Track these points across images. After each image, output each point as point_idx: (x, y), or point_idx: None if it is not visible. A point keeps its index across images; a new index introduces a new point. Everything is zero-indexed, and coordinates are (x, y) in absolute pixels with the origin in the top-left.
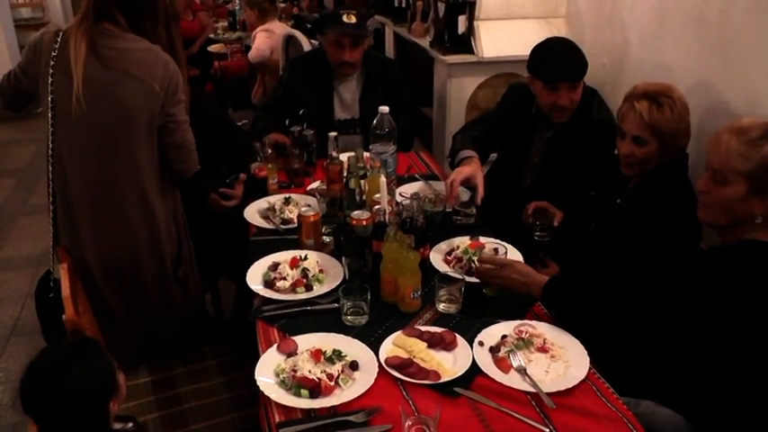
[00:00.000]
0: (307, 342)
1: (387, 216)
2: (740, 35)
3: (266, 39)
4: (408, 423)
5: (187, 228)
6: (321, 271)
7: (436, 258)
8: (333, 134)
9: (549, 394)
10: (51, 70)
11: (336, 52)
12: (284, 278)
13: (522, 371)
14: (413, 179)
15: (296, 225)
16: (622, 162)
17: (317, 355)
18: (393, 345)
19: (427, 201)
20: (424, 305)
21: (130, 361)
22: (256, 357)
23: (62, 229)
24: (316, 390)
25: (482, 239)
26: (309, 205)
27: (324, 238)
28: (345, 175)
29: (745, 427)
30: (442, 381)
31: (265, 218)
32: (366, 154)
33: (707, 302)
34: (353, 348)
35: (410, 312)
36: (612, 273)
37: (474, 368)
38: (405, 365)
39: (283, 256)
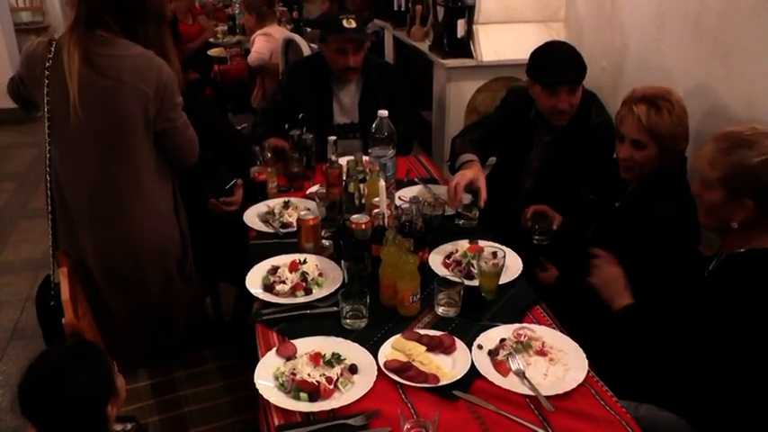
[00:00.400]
0: (306, 345)
1: (386, 220)
2: (739, 38)
3: (265, 42)
4: (407, 426)
5: (188, 226)
6: (320, 274)
7: (435, 262)
8: (332, 138)
9: (547, 397)
10: (47, 80)
11: (340, 59)
12: (284, 282)
13: (520, 374)
14: (412, 183)
15: (295, 229)
16: (621, 166)
17: (316, 358)
18: (392, 348)
19: (426, 204)
20: (423, 309)
21: (131, 364)
22: (256, 361)
23: (62, 232)
24: (315, 393)
25: (481, 243)
26: (309, 209)
27: (323, 241)
28: (345, 178)
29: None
30: (440, 384)
31: (265, 222)
32: (365, 158)
33: (716, 311)
34: (353, 352)
35: (409, 316)
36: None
37: (473, 371)
38: (404, 369)
39: (283, 260)
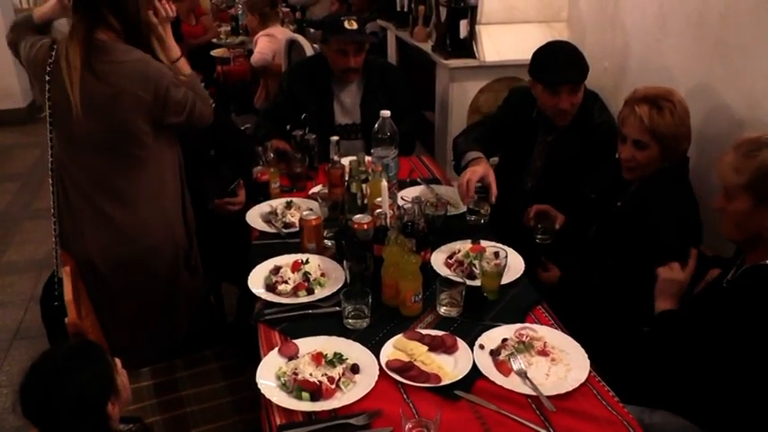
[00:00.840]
0: (308, 345)
1: (388, 220)
2: (740, 38)
3: (268, 43)
4: (409, 426)
5: (193, 216)
6: (323, 274)
7: (437, 262)
8: (335, 138)
9: (549, 397)
10: (48, 86)
11: (341, 60)
12: (286, 282)
13: (522, 374)
14: (414, 183)
15: (298, 229)
16: (623, 166)
17: (318, 358)
18: (394, 348)
19: (429, 204)
20: (425, 309)
21: (134, 363)
22: (258, 361)
23: (67, 232)
24: (317, 393)
25: (483, 243)
26: (311, 209)
27: (325, 241)
28: (347, 179)
29: None
30: (442, 384)
31: (267, 222)
32: (368, 158)
33: (740, 322)
34: (354, 351)
35: (411, 316)
36: (613, 276)
37: (474, 371)
38: (405, 368)
39: (285, 260)
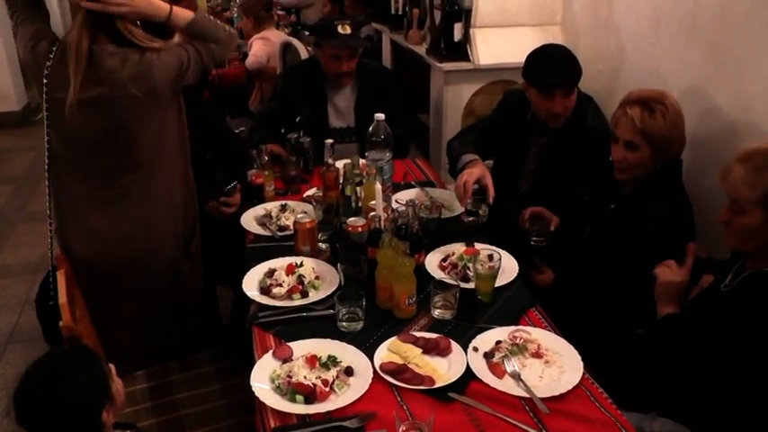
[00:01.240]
0: (302, 348)
1: (382, 223)
2: (733, 41)
3: (263, 46)
4: (402, 428)
5: (196, 202)
6: (317, 277)
7: (431, 264)
8: (329, 141)
9: (542, 399)
10: (45, 88)
11: (334, 64)
12: (280, 285)
13: (516, 376)
14: (409, 186)
15: (292, 232)
16: (615, 167)
17: (312, 360)
18: (388, 350)
19: (423, 207)
20: (419, 311)
21: (129, 366)
22: (252, 363)
23: (65, 232)
24: (311, 395)
25: (477, 246)
26: (305, 212)
27: (320, 244)
28: (341, 182)
29: None
30: (436, 386)
31: (262, 225)
32: (362, 161)
33: (741, 329)
34: (348, 354)
35: (405, 318)
36: (607, 278)
37: (468, 374)
38: (399, 371)
39: (279, 263)
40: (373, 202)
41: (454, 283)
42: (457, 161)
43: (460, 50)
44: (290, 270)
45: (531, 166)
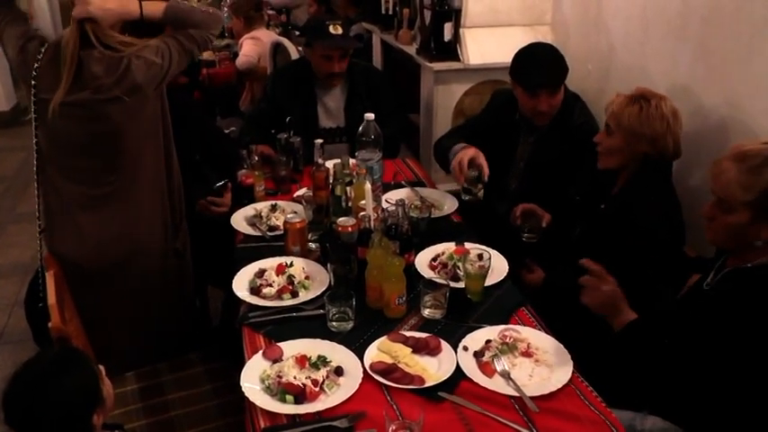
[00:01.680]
0: (292, 348)
1: (372, 223)
2: (722, 42)
3: (253, 46)
4: (392, 428)
5: (183, 198)
6: (307, 277)
7: (421, 264)
8: (319, 141)
9: (532, 398)
10: (33, 89)
11: (326, 65)
12: (270, 285)
13: (505, 375)
14: (399, 186)
15: (282, 232)
16: (597, 150)
17: (302, 360)
18: (378, 350)
19: (413, 207)
20: (409, 311)
21: (120, 367)
22: (243, 364)
23: (53, 234)
24: (301, 395)
25: (467, 245)
26: (296, 212)
27: (310, 244)
28: (331, 181)
29: None
30: (426, 385)
31: (252, 225)
32: (352, 161)
33: (724, 326)
34: (338, 354)
35: (395, 318)
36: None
37: (458, 373)
38: (389, 371)
39: (269, 263)
40: (363, 202)
41: (444, 282)
42: (448, 152)
43: (450, 50)
44: (281, 270)
45: (519, 164)
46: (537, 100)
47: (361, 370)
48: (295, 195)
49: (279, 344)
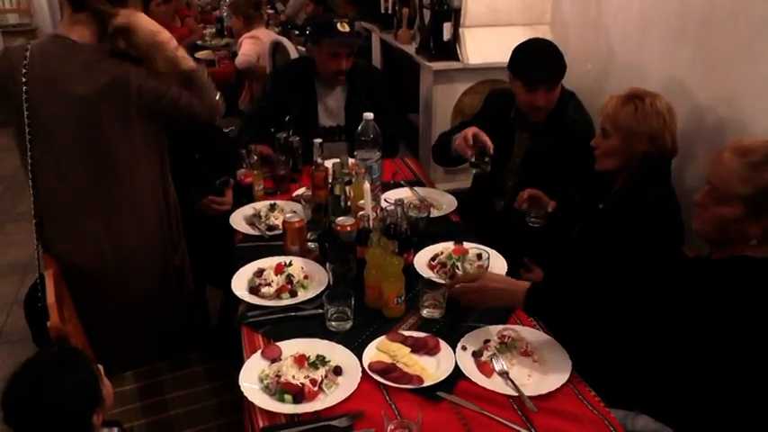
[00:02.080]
0: (291, 348)
1: (371, 222)
2: (720, 42)
3: (252, 45)
4: (391, 427)
5: (180, 217)
6: (306, 277)
7: (420, 264)
8: (318, 141)
9: (531, 398)
10: (25, 88)
11: (333, 62)
12: (269, 284)
13: (504, 375)
14: (398, 185)
15: (281, 231)
16: (595, 154)
17: (300, 360)
18: (377, 350)
19: (411, 207)
20: (407, 310)
21: (119, 367)
22: (242, 363)
23: (48, 235)
24: (299, 395)
25: (466, 245)
26: (295, 212)
27: (308, 244)
28: (330, 181)
29: None
30: (424, 385)
31: (251, 224)
32: (351, 160)
33: (695, 316)
34: (337, 353)
35: (394, 318)
36: (595, 278)
37: (457, 372)
38: (388, 370)
39: (268, 263)
40: (362, 202)
41: (443, 282)
42: (449, 143)
43: (450, 50)
44: (279, 269)
45: (516, 160)
46: (534, 95)
47: (360, 369)
48: (294, 195)
49: (277, 343)
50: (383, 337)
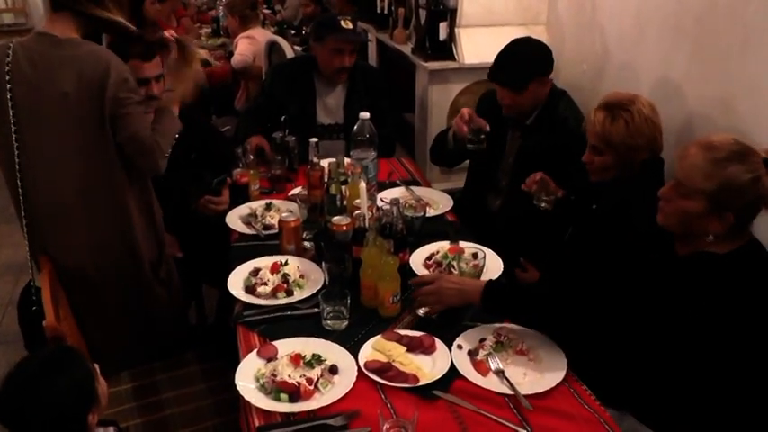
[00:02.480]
0: (287, 347)
1: (367, 221)
2: (716, 42)
3: (248, 45)
4: (386, 426)
5: (163, 229)
6: (301, 276)
7: (416, 263)
8: (314, 140)
9: (526, 396)
10: (9, 85)
11: (336, 59)
12: (265, 283)
13: (500, 373)
14: (394, 185)
15: (277, 231)
16: (587, 168)
17: (296, 359)
18: (372, 349)
19: (407, 206)
20: (403, 309)
21: (115, 366)
22: (238, 363)
23: (39, 236)
24: (295, 394)
25: (462, 244)
26: (290, 211)
27: (304, 243)
28: (326, 180)
29: None
30: (420, 384)
31: (247, 224)
32: (347, 160)
33: (661, 315)
34: (333, 352)
35: (390, 317)
36: (590, 278)
37: (452, 371)
38: (384, 369)
39: (264, 262)
40: (358, 201)
41: None
42: (446, 136)
43: (446, 50)
44: (275, 269)
45: (509, 160)
46: (502, 92)
47: (356, 368)
48: (290, 194)
49: (273, 342)
50: (379, 336)
